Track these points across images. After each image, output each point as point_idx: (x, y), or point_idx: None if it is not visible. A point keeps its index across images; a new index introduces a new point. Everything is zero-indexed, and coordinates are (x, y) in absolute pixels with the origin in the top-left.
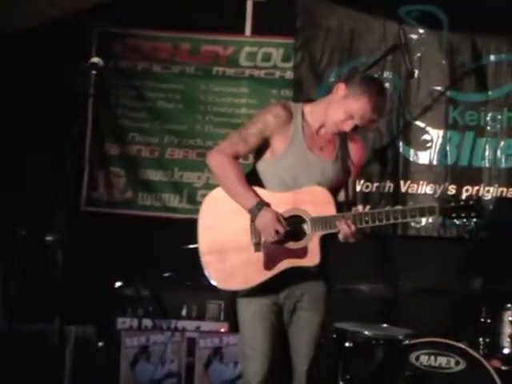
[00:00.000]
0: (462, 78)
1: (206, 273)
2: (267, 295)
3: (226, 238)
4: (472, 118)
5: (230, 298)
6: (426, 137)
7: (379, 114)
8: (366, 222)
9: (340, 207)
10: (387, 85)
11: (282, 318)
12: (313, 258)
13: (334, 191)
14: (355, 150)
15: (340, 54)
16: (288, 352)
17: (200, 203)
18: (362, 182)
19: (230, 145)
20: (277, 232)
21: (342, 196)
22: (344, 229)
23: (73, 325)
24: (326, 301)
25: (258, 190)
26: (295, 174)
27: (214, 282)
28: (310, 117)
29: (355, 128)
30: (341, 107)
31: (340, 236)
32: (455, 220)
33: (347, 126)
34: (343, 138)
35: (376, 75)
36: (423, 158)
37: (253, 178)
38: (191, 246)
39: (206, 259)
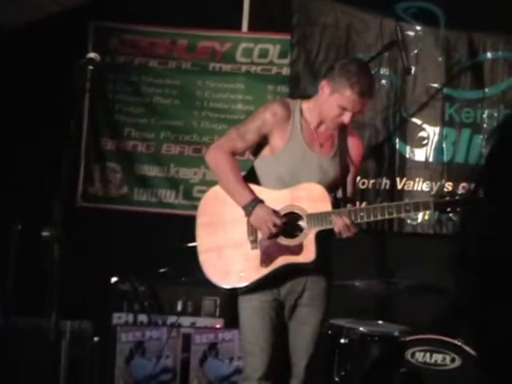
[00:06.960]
0: (458, 75)
1: (204, 270)
2: (268, 291)
3: (224, 236)
4: (468, 116)
5: (226, 295)
6: (422, 134)
7: (369, 95)
8: (361, 218)
9: (337, 204)
10: (383, 82)
11: (283, 314)
12: (308, 255)
13: (335, 189)
14: (354, 146)
15: (336, 51)
16: (288, 348)
17: (196, 199)
18: (358, 178)
19: (227, 141)
20: (274, 225)
21: (340, 193)
22: (338, 223)
23: (68, 320)
24: (327, 297)
25: (254, 187)
26: (294, 172)
27: (211, 280)
28: (309, 114)
29: (355, 115)
30: (331, 103)
31: (335, 230)
32: (451, 215)
33: (346, 118)
34: (342, 134)
35: (373, 72)
36: (419, 155)
37: (252, 176)
38: (190, 245)
39: (203, 257)
